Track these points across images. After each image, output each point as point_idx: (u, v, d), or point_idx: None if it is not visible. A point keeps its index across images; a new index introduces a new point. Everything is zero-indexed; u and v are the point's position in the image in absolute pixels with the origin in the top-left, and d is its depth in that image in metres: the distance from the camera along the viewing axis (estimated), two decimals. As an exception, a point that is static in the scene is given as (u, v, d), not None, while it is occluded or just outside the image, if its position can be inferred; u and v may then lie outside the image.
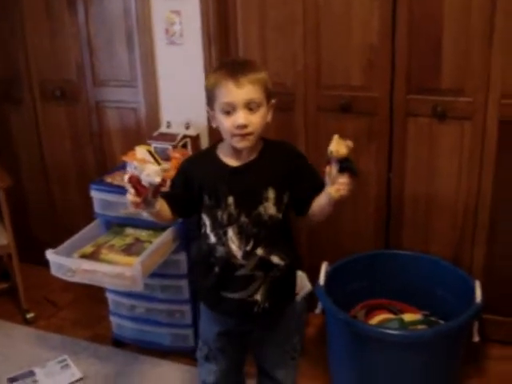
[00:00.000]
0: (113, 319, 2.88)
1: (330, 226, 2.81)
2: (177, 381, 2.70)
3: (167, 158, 2.66)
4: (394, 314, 2.64)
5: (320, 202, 1.83)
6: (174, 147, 2.68)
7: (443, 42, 2.49)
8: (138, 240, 2.61)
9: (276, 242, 1.89)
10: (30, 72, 3.30)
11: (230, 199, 1.84)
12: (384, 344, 2.29)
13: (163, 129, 2.88)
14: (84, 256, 2.51)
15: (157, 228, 2.60)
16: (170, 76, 2.93)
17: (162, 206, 1.85)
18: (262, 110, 1.78)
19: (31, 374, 2.77)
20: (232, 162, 1.87)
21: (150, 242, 2.55)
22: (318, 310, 2.51)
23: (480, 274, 2.64)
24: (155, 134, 2.83)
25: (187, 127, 2.81)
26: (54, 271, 2.49)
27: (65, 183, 3.45)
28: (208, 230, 1.89)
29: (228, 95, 1.73)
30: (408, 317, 2.60)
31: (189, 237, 2.61)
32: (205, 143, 2.88)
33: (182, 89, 2.90)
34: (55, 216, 3.54)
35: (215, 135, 2.83)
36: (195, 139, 2.80)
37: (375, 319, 2.60)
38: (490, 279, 2.66)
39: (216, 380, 2.10)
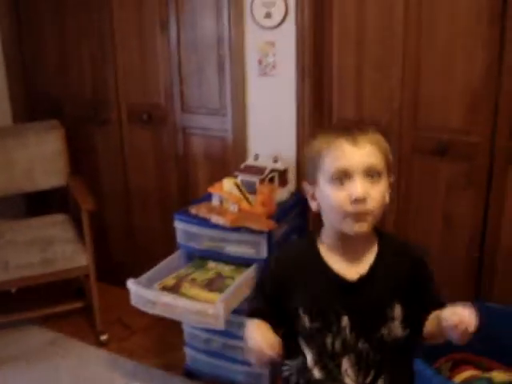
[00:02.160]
0: (187, 350, 2.84)
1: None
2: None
3: (253, 192, 2.61)
4: (482, 370, 2.50)
5: (430, 327, 1.47)
6: (262, 181, 2.62)
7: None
8: (219, 275, 2.55)
9: (400, 368, 1.52)
10: (119, 94, 3.32)
11: (345, 320, 1.44)
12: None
13: (250, 161, 2.83)
14: (165, 288, 2.47)
15: (240, 264, 2.55)
16: (260, 107, 2.88)
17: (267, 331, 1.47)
18: (383, 184, 1.40)
19: (103, 398, 2.76)
20: (346, 268, 1.46)
21: (232, 278, 2.50)
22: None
23: None
24: (242, 166, 2.78)
25: (275, 161, 2.75)
26: (134, 301, 2.46)
27: (146, 208, 3.45)
28: (309, 363, 1.48)
29: (342, 158, 1.37)
30: (498, 376, 2.45)
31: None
32: (292, 178, 2.81)
33: (272, 121, 2.84)
34: (135, 239, 3.55)
35: (304, 171, 2.79)
36: (283, 173, 2.73)
37: (462, 375, 2.46)
38: None
39: None
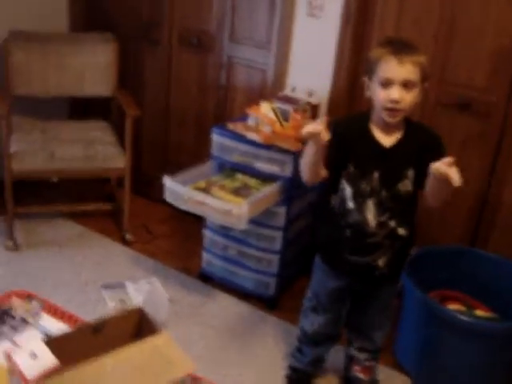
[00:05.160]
0: (204, 255, 3.12)
1: (421, 211, 2.94)
2: (248, 321, 2.92)
3: (287, 120, 2.86)
4: (467, 307, 2.76)
5: (429, 183, 1.95)
6: (296, 110, 2.87)
7: None
8: (246, 186, 2.82)
9: (405, 216, 2.09)
10: (173, 17, 3.53)
11: (376, 174, 2.02)
12: (457, 329, 2.43)
13: (288, 92, 3.08)
14: (197, 189, 2.74)
15: (265, 179, 2.81)
16: (302, 45, 3.10)
17: (321, 163, 2.00)
18: (416, 91, 1.93)
19: (123, 286, 3.03)
20: (383, 138, 2.02)
21: (257, 189, 2.76)
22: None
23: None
24: (280, 94, 3.03)
25: (310, 95, 3.00)
26: (168, 197, 2.74)
27: (183, 127, 3.69)
28: (347, 197, 2.06)
29: (389, 71, 1.89)
30: (480, 312, 2.72)
31: (292, 194, 2.82)
32: (324, 112, 3.06)
33: (312, 60, 3.07)
34: (167, 154, 3.80)
35: (335, 107, 3.04)
36: (315, 107, 2.99)
37: (448, 307, 2.73)
38: None
39: (318, 330, 2.36)
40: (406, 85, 1.89)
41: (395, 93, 1.89)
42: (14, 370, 1.46)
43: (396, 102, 1.90)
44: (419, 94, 1.96)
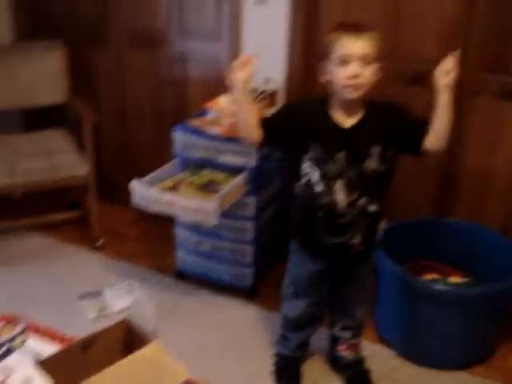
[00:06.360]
0: (178, 253, 3.12)
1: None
2: (230, 313, 2.94)
3: (246, 109, 2.87)
4: (441, 275, 2.84)
5: (436, 118, 2.00)
6: (254, 99, 2.88)
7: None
8: (213, 181, 2.83)
9: (375, 193, 2.12)
10: (120, 17, 3.49)
11: (341, 155, 2.04)
12: (430, 298, 2.50)
13: (243, 82, 3.08)
14: (165, 189, 2.74)
15: (231, 172, 2.82)
16: (254, 33, 3.11)
17: (253, 111, 2.06)
18: (374, 66, 1.98)
19: (99, 293, 3.01)
20: (343, 119, 2.06)
21: (224, 183, 2.77)
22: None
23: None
24: (236, 85, 3.03)
25: (267, 82, 3.02)
26: (136, 200, 2.73)
27: (141, 126, 3.67)
28: (315, 180, 2.09)
29: (346, 47, 1.94)
30: (453, 279, 2.80)
31: (259, 183, 2.84)
32: (281, 99, 3.08)
33: (265, 47, 3.03)
34: (128, 156, 3.78)
35: (292, 92, 3.06)
36: (273, 94, 3.00)
37: (424, 278, 2.80)
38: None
39: (300, 314, 2.39)
40: (364, 59, 1.94)
41: (354, 68, 1.94)
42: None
43: (356, 76, 1.94)
44: (377, 71, 2.01)
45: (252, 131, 2.08)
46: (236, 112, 2.10)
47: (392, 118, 2.09)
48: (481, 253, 2.83)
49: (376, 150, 2.06)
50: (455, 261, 2.89)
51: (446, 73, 1.93)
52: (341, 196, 2.08)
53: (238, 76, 1.98)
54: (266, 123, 2.10)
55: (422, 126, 2.05)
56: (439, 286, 2.58)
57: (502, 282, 2.52)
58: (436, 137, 2.03)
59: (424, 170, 2.98)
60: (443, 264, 2.90)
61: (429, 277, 2.81)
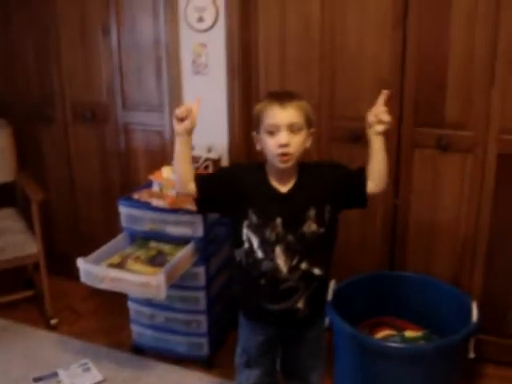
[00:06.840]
0: (133, 327, 3.07)
1: (339, 246, 3.00)
2: (190, 386, 2.89)
3: (190, 179, 2.88)
4: (396, 331, 2.83)
5: (372, 161, 2.04)
6: (197, 169, 2.90)
7: (448, 80, 2.71)
8: (161, 253, 2.81)
9: (317, 255, 2.10)
10: (64, 93, 3.54)
11: (279, 220, 2.04)
12: (387, 357, 2.46)
13: (187, 151, 3.10)
14: (111, 265, 2.71)
15: (179, 242, 2.81)
16: (194, 103, 3.15)
17: (190, 164, 2.07)
18: (303, 134, 1.99)
19: (55, 375, 2.95)
20: (279, 186, 2.07)
21: (172, 255, 2.76)
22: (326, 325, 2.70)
23: (478, 297, 2.82)
24: (180, 155, 3.05)
25: (209, 150, 3.04)
26: (83, 278, 2.69)
27: (90, 199, 3.67)
28: (255, 247, 2.07)
29: (273, 117, 1.96)
30: (409, 333, 2.79)
31: (208, 252, 2.83)
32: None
33: (206, 115, 3.05)
34: (79, 229, 3.76)
35: (235, 159, 3.09)
36: (216, 162, 3.03)
37: (378, 335, 2.78)
38: (487, 301, 2.86)
39: (255, 383, 2.33)
40: (292, 128, 1.96)
41: (283, 137, 1.95)
42: None
43: (284, 145, 1.95)
44: (307, 138, 2.03)
45: (187, 185, 2.08)
46: (174, 163, 2.10)
47: (326, 176, 2.11)
48: (434, 305, 2.84)
49: (312, 214, 2.05)
50: (410, 314, 2.88)
51: (378, 118, 1.97)
52: (281, 262, 2.06)
53: (182, 126, 2.00)
54: (200, 178, 2.11)
55: (359, 173, 2.09)
56: (393, 344, 2.57)
57: (455, 336, 2.50)
58: (374, 176, 2.07)
59: (370, 228, 3.01)
60: (398, 318, 2.89)
61: (384, 333, 2.80)
